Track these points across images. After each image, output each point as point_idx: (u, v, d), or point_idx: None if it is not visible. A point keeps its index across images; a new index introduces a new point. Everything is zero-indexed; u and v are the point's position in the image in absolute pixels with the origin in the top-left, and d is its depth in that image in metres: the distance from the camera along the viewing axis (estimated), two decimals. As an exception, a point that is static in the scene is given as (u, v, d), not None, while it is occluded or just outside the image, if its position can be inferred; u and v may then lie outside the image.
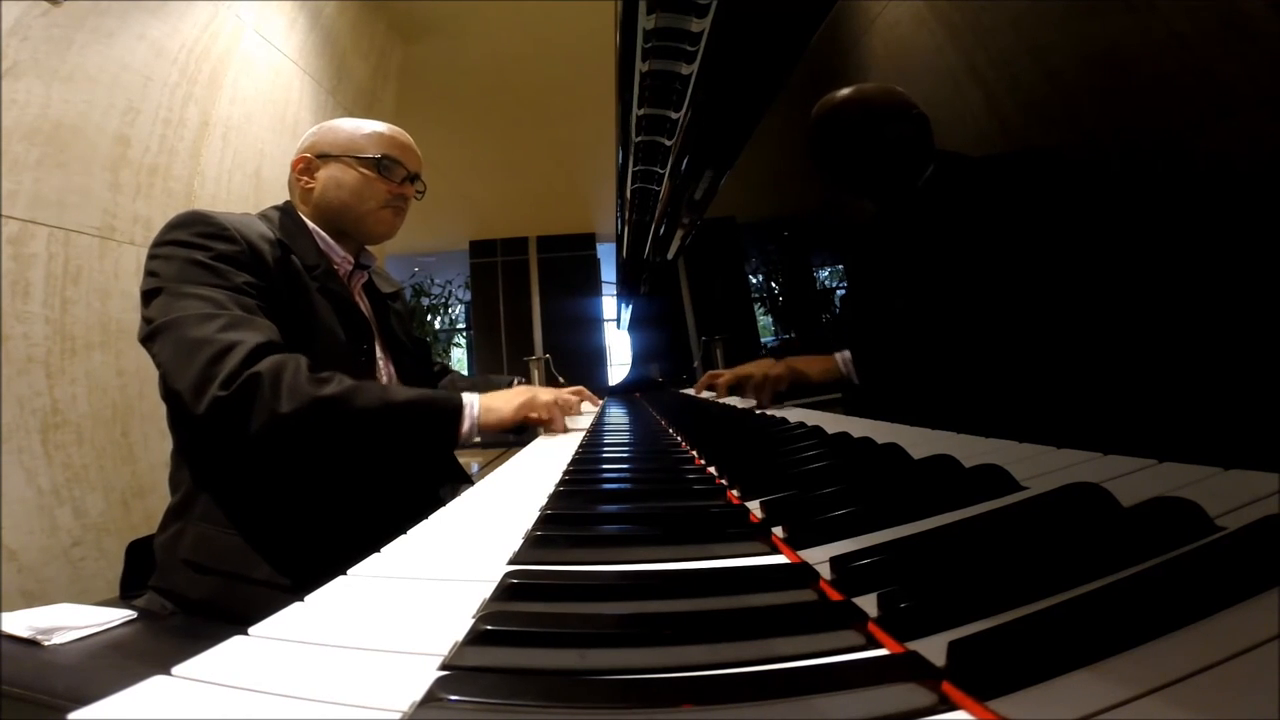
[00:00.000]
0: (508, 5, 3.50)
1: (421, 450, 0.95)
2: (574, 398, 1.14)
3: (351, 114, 3.10)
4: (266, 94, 2.49)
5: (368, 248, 1.15)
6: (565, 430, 1.06)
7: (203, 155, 2.15)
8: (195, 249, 0.88)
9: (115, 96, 1.81)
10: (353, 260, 1.11)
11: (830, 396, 1.03)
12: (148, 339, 0.85)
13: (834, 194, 1.07)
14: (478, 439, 0.98)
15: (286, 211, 1.07)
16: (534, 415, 1.04)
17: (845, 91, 0.92)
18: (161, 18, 1.98)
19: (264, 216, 1.03)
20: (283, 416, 0.79)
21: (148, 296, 0.87)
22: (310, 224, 1.07)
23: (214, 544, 0.85)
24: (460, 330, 8.78)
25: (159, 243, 0.91)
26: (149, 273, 0.89)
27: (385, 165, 1.08)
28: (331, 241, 1.08)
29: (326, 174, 1.07)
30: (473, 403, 0.96)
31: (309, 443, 0.84)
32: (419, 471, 1.06)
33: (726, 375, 1.41)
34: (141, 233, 1.87)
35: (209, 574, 0.84)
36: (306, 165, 1.09)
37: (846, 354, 0.97)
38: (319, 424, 0.82)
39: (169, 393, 0.84)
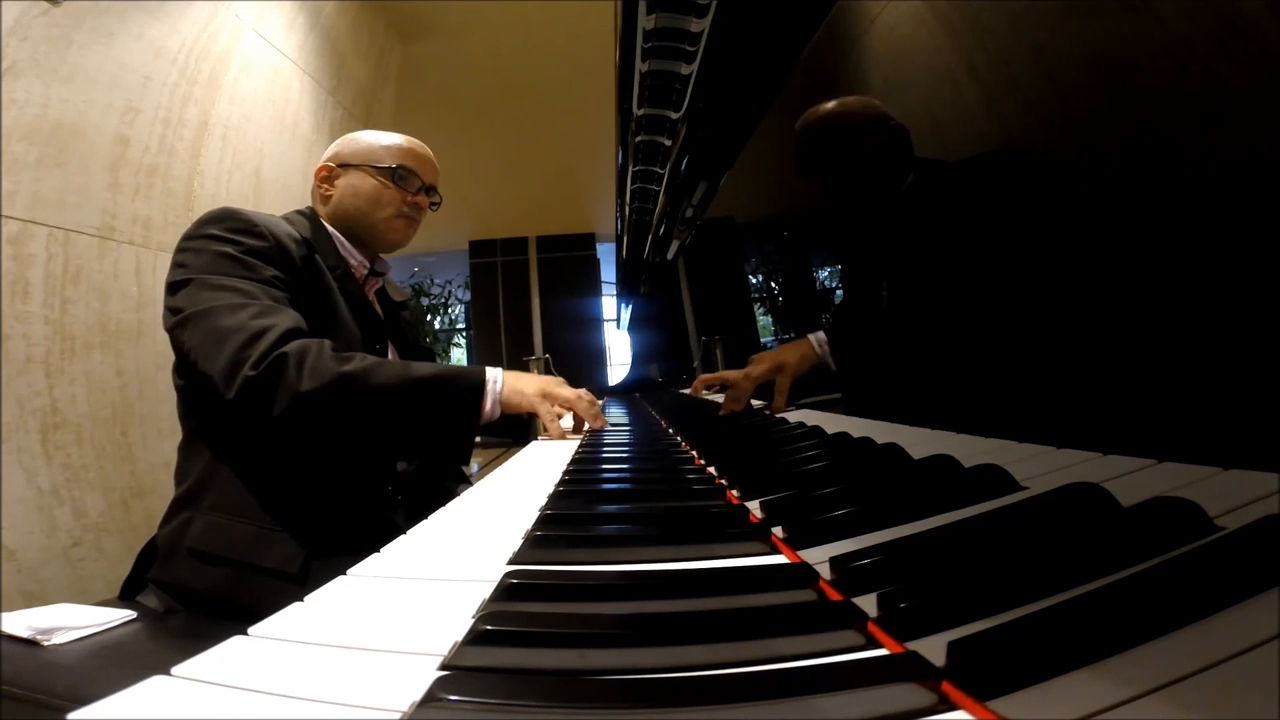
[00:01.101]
0: (507, 5, 3.50)
1: (444, 426, 0.92)
2: (592, 408, 1.09)
3: (351, 113, 3.11)
4: (266, 94, 2.48)
5: (381, 256, 1.18)
6: (570, 434, 1.02)
7: (202, 155, 2.14)
8: (226, 243, 0.91)
9: (114, 96, 1.81)
10: (368, 266, 1.14)
11: (830, 396, 1.03)
12: (178, 327, 0.87)
13: (824, 201, 1.08)
14: (496, 415, 0.96)
15: (309, 216, 1.10)
16: (545, 408, 1.00)
17: (825, 106, 0.95)
18: (161, 18, 1.97)
19: (288, 219, 1.06)
20: (304, 394, 0.81)
21: (175, 287, 0.90)
22: (330, 228, 1.11)
23: (223, 533, 0.86)
24: (460, 330, 8.78)
25: (190, 236, 0.94)
26: (177, 264, 0.92)
27: (400, 175, 1.12)
28: (349, 247, 1.12)
29: (345, 182, 1.11)
30: (496, 378, 0.95)
31: (331, 419, 0.85)
32: (438, 458, 1.06)
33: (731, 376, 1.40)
34: (141, 233, 1.87)
35: (216, 564, 0.84)
36: (329, 174, 1.13)
37: (821, 335, 0.99)
38: (340, 400, 0.84)
39: (200, 377, 0.85)
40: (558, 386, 1.02)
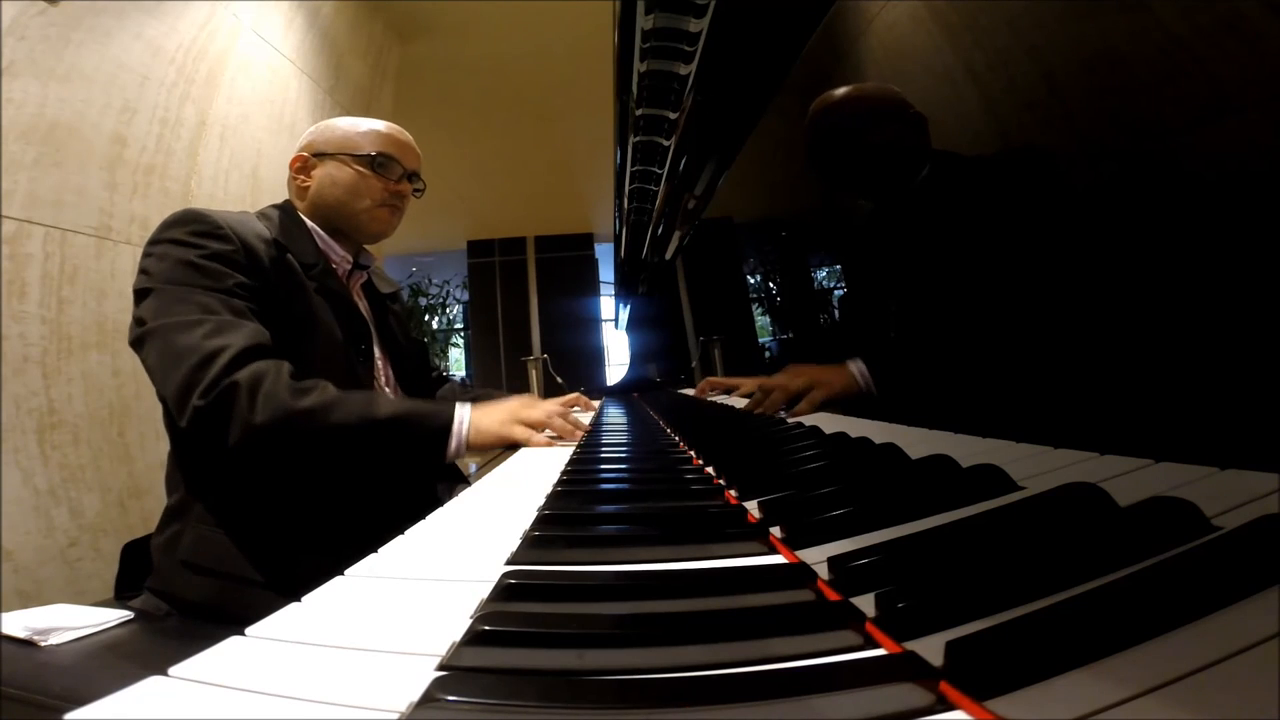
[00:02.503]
0: (506, 5, 3.50)
1: (404, 467, 0.91)
2: (567, 423, 1.01)
3: (349, 113, 3.10)
4: (264, 93, 2.48)
5: (366, 247, 1.15)
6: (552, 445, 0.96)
7: (200, 155, 2.14)
8: (188, 248, 0.88)
9: (112, 96, 1.80)
10: (351, 260, 1.11)
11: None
12: (136, 342, 0.85)
13: (831, 194, 1.06)
14: (464, 458, 0.94)
15: (285, 210, 1.06)
16: (519, 434, 0.95)
17: (842, 91, 0.92)
18: (159, 17, 1.97)
19: (263, 215, 1.02)
20: (257, 428, 0.78)
21: (139, 295, 0.87)
22: (309, 222, 1.07)
23: (214, 546, 0.85)
24: (458, 330, 8.78)
25: (153, 241, 0.90)
26: (141, 270, 0.89)
27: (380, 162, 1.07)
28: (330, 240, 1.08)
29: (322, 172, 1.07)
30: (463, 418, 0.92)
31: (284, 455, 0.82)
32: (411, 474, 1.05)
33: (746, 386, 1.38)
34: (138, 232, 1.87)
35: (208, 576, 0.84)
36: (304, 164, 1.08)
37: (860, 364, 0.95)
38: (294, 437, 0.80)
39: (162, 401, 0.84)
40: (527, 409, 0.99)
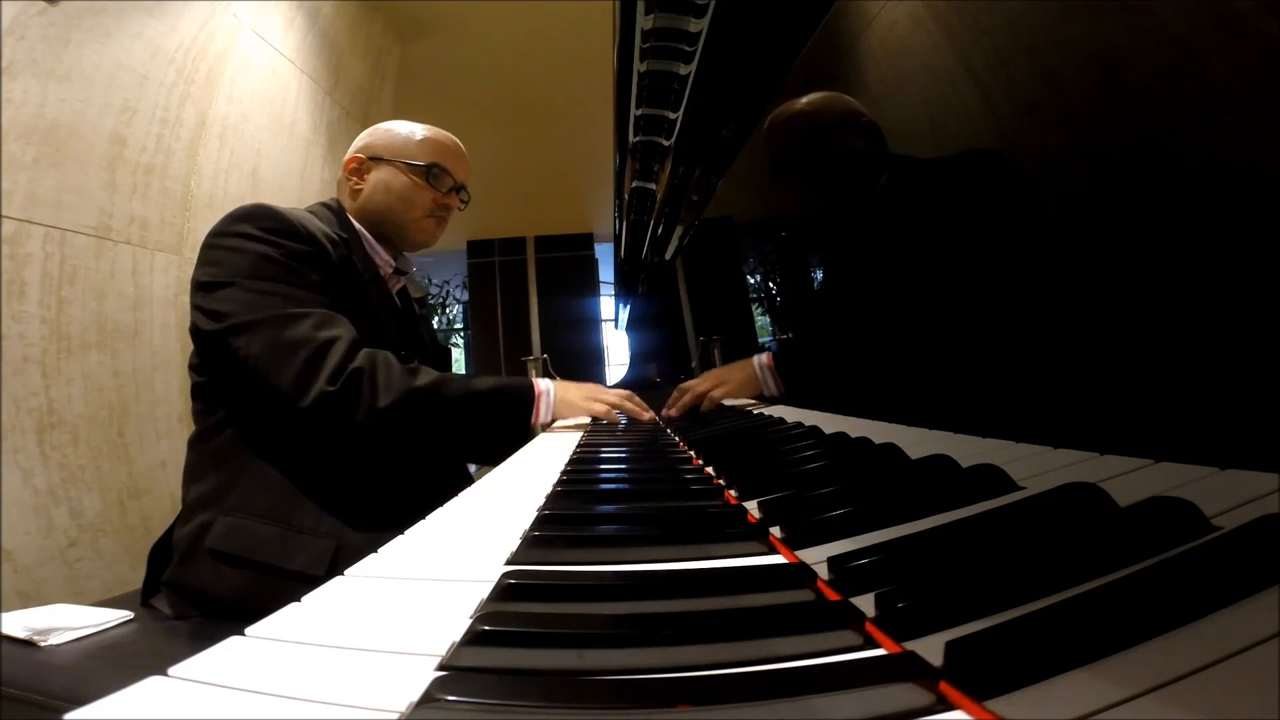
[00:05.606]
0: (506, 5, 3.50)
1: (500, 435, 0.99)
2: (635, 406, 1.14)
3: (349, 113, 3.10)
4: (264, 93, 2.48)
5: (405, 254, 1.16)
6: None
7: (199, 155, 2.14)
8: (266, 244, 0.89)
9: (112, 96, 1.80)
10: (393, 265, 1.12)
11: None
12: (231, 332, 0.85)
13: (806, 199, 1.09)
14: (549, 422, 1.04)
15: (337, 211, 1.06)
16: (599, 409, 1.08)
17: (795, 105, 0.94)
18: (158, 17, 1.97)
19: (315, 213, 1.03)
20: (383, 409, 0.85)
21: (211, 287, 0.87)
22: (357, 225, 1.07)
23: (247, 534, 0.84)
24: (458, 330, 8.77)
25: (222, 233, 0.90)
26: (212, 263, 0.89)
27: (435, 174, 1.08)
28: (375, 244, 1.08)
29: (376, 177, 1.08)
30: (548, 389, 1.02)
31: (406, 432, 0.89)
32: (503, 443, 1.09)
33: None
34: (138, 232, 1.87)
35: (239, 566, 0.83)
36: (359, 166, 1.08)
37: (763, 359, 1.02)
38: (414, 414, 0.88)
39: (263, 389, 0.84)
40: (603, 392, 1.11)
